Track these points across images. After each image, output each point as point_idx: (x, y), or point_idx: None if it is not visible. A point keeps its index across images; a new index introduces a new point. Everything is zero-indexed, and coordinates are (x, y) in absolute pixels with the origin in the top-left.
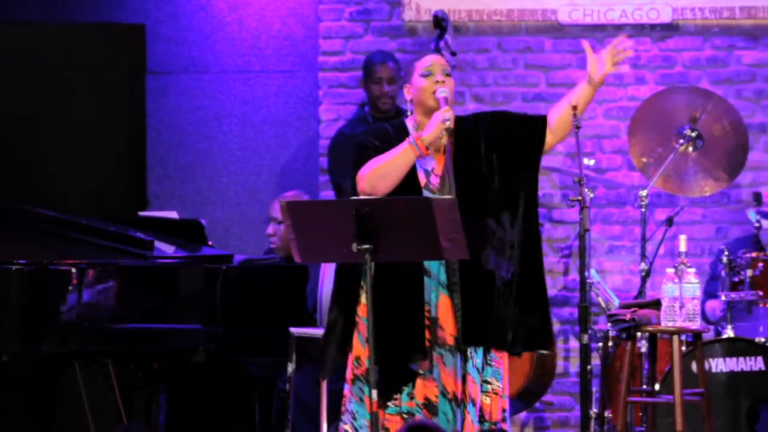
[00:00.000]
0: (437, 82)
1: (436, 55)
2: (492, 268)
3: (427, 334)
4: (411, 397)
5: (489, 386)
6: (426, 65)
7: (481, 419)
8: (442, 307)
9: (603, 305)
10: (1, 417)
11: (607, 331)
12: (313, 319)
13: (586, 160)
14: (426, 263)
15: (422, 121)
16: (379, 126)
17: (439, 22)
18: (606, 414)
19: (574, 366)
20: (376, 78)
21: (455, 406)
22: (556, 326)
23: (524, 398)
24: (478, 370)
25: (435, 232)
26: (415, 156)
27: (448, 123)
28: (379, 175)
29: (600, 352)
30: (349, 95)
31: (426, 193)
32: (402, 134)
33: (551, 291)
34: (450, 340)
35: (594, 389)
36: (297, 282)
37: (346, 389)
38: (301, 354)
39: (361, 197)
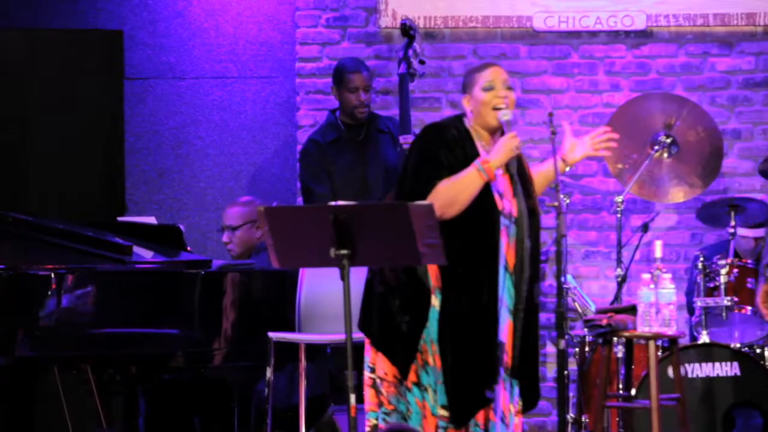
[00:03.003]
0: (499, 97)
1: (496, 67)
2: (537, 302)
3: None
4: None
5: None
6: (488, 78)
7: None
8: (507, 331)
9: (579, 310)
10: None
11: (584, 336)
12: (292, 324)
13: None
14: (500, 289)
15: (481, 134)
16: (445, 133)
17: (407, 30)
18: (583, 419)
19: (551, 371)
20: (352, 87)
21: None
22: None
23: None
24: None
25: (412, 237)
26: (483, 182)
27: (517, 151)
28: (447, 202)
29: (577, 357)
30: (326, 101)
31: (503, 220)
32: (466, 141)
33: None
34: (510, 364)
35: (571, 394)
36: (276, 286)
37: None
38: (280, 359)
39: (338, 203)
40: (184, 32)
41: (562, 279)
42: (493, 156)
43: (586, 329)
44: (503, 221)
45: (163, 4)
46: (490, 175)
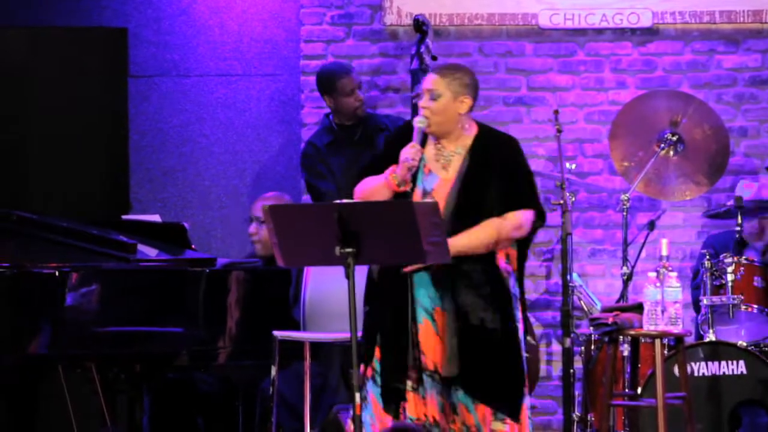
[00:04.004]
0: (422, 106)
1: (429, 76)
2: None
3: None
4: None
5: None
6: (421, 87)
7: None
8: (424, 332)
9: (585, 309)
10: None
11: (590, 334)
12: (297, 323)
13: (567, 164)
14: (416, 288)
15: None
16: (407, 130)
17: (420, 26)
18: (589, 417)
19: (557, 370)
20: (348, 90)
21: None
22: (539, 330)
23: None
24: (471, 397)
25: (417, 235)
26: (389, 190)
27: (412, 163)
28: (362, 198)
29: (582, 355)
30: None
31: None
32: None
33: (533, 295)
34: (431, 366)
35: (577, 393)
36: (279, 285)
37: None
38: (285, 357)
39: (343, 201)
40: (188, 30)
41: (568, 277)
42: (398, 169)
43: (591, 328)
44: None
45: (167, 1)
46: (392, 186)
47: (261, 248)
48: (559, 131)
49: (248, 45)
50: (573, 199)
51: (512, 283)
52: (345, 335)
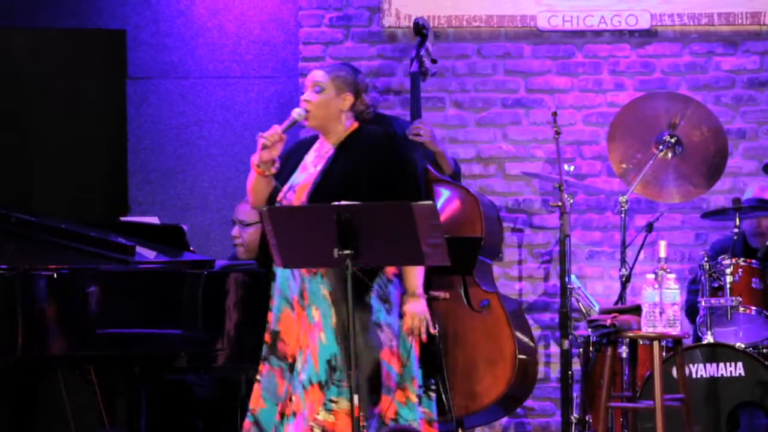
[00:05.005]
0: (303, 99)
1: (315, 71)
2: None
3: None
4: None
5: (334, 405)
6: (305, 81)
7: None
8: (284, 320)
9: (583, 311)
10: None
11: (588, 336)
12: None
13: (566, 166)
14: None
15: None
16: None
17: (420, 29)
18: (587, 419)
19: (555, 371)
20: None
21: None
22: (537, 332)
23: (505, 404)
24: (304, 387)
25: (416, 237)
26: (256, 176)
27: (263, 140)
28: (251, 194)
29: (581, 357)
30: None
31: None
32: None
33: (531, 297)
34: (290, 358)
35: (575, 395)
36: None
37: None
38: None
39: (342, 203)
40: (187, 32)
41: (566, 279)
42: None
43: (590, 329)
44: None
45: (166, 3)
46: (256, 171)
47: (243, 251)
48: (558, 133)
49: (247, 47)
50: (571, 201)
51: (393, 289)
52: None
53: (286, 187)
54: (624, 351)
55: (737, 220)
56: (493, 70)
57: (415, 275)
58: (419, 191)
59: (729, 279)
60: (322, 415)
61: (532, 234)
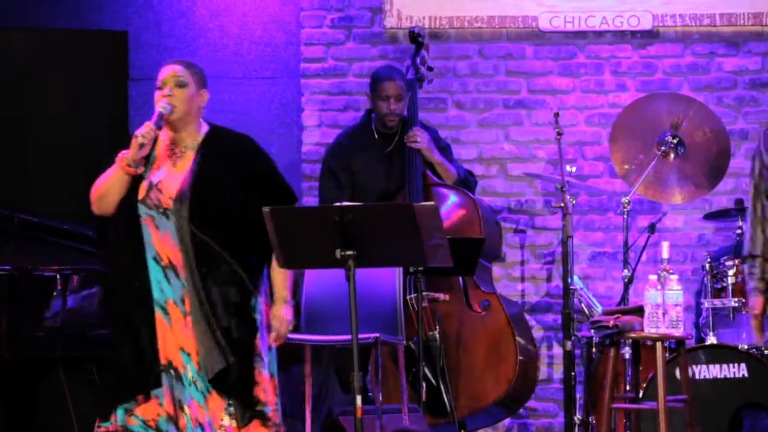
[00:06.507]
0: (165, 95)
1: (171, 66)
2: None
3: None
4: (129, 413)
5: (233, 408)
6: (160, 77)
7: None
8: (158, 326)
9: (586, 312)
10: None
11: (591, 337)
12: (295, 325)
13: (568, 167)
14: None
15: (167, 130)
16: None
17: (416, 37)
18: (590, 420)
19: (558, 372)
20: (383, 95)
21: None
22: (539, 333)
23: (507, 404)
24: (204, 394)
25: (418, 238)
26: (121, 174)
27: (140, 139)
28: (98, 195)
29: (583, 358)
30: (331, 102)
31: (142, 209)
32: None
33: (534, 298)
34: (164, 361)
35: (578, 395)
36: None
37: None
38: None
39: (344, 203)
40: (188, 33)
41: (569, 280)
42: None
43: (593, 330)
44: (146, 212)
45: (167, 4)
46: (124, 168)
47: None
48: (560, 134)
49: (248, 48)
50: (573, 202)
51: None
52: (346, 338)
53: (144, 185)
54: (627, 352)
55: (740, 220)
56: (494, 71)
57: (284, 281)
58: (287, 185)
59: (731, 280)
60: (226, 420)
61: (534, 235)
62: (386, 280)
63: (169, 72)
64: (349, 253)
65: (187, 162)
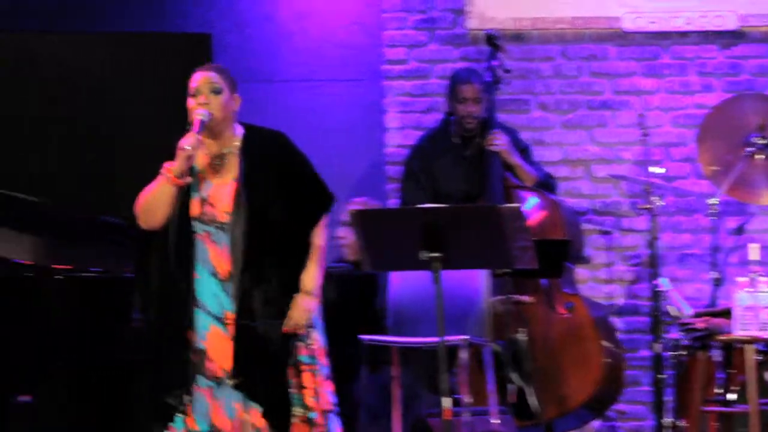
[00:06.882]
0: (201, 104)
1: (203, 73)
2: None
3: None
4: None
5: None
6: (193, 85)
7: None
8: (210, 338)
9: (674, 314)
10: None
11: (680, 339)
12: (383, 327)
13: (655, 168)
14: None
15: (204, 140)
16: None
17: (492, 40)
18: (680, 424)
19: (647, 375)
20: (461, 98)
21: None
22: (627, 335)
23: (594, 407)
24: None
25: (503, 240)
26: (170, 187)
27: (189, 150)
28: (144, 209)
29: (672, 360)
30: (413, 103)
31: (198, 225)
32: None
33: (620, 300)
34: (218, 373)
35: (668, 398)
36: (367, 290)
37: None
38: (370, 361)
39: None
40: (272, 36)
41: (656, 282)
42: (175, 161)
43: (682, 333)
44: (203, 228)
45: (251, 8)
46: (172, 180)
47: (350, 252)
48: (645, 135)
49: (331, 50)
50: (660, 203)
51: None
52: (433, 340)
53: (196, 201)
54: (717, 354)
55: None
56: (578, 72)
57: (315, 274)
58: (323, 182)
59: None
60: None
61: (620, 237)
62: (472, 282)
63: (203, 79)
64: (435, 255)
65: (230, 170)
